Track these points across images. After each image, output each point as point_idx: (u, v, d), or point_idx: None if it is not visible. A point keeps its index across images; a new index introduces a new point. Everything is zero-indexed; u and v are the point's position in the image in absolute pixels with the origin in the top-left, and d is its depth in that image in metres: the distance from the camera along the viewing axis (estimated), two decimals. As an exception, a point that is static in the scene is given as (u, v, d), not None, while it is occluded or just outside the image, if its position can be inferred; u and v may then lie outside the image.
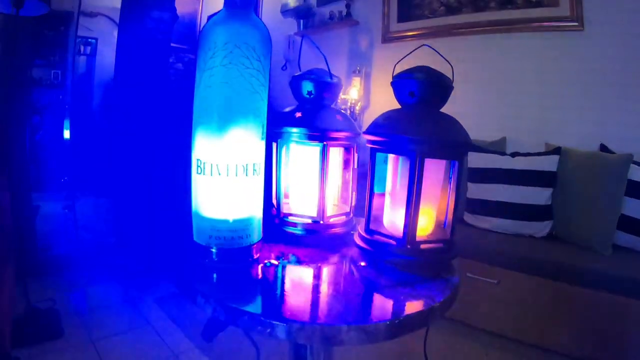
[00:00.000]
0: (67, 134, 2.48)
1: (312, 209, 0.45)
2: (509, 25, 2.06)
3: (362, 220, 0.43)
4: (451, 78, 0.40)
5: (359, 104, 2.23)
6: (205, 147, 0.35)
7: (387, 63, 2.46)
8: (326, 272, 0.39)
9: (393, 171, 0.39)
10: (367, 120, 2.57)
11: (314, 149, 0.43)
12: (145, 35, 2.23)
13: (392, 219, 0.40)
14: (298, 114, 0.43)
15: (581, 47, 1.88)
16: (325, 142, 0.42)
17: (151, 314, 1.75)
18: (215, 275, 0.35)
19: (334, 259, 0.42)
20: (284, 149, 0.45)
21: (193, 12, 3.66)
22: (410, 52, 0.46)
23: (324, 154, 0.43)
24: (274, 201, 0.46)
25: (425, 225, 0.40)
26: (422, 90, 0.38)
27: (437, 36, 2.27)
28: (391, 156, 0.39)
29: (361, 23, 2.57)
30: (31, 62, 2.23)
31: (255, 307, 0.31)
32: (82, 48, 2.53)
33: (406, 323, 0.30)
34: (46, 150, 2.38)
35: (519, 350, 1.53)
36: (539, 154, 1.86)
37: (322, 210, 0.45)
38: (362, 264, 0.41)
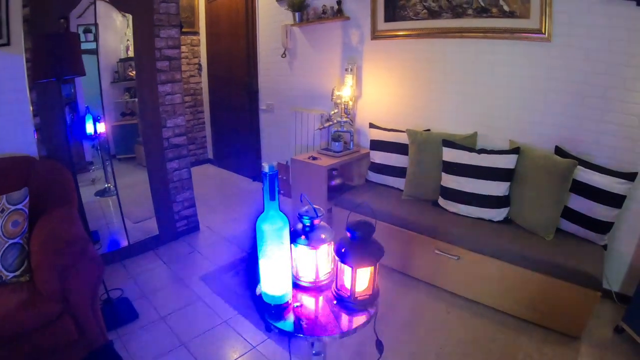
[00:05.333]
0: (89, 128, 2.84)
1: (312, 275, 1.07)
2: (484, 32, 2.37)
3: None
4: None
5: (352, 98, 2.68)
6: (265, 262, 0.96)
7: (376, 58, 2.89)
8: (319, 307, 1.03)
9: (347, 268, 1.00)
10: (361, 108, 3.08)
11: (311, 250, 1.04)
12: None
13: (346, 284, 1.02)
14: (303, 236, 1.03)
15: (547, 57, 2.22)
16: (315, 247, 1.03)
17: (200, 290, 2.36)
18: (272, 314, 0.98)
19: (322, 301, 1.05)
20: (296, 250, 1.05)
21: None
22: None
23: (315, 252, 1.04)
24: (294, 272, 1.08)
25: (361, 288, 1.02)
26: (359, 234, 0.98)
27: (420, 37, 2.61)
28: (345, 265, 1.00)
29: (352, 19, 2.86)
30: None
31: (290, 327, 0.94)
32: (84, 36, 2.53)
33: (347, 333, 0.93)
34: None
35: (472, 309, 2.14)
36: (500, 152, 2.28)
37: (317, 275, 1.07)
38: (334, 302, 1.04)
